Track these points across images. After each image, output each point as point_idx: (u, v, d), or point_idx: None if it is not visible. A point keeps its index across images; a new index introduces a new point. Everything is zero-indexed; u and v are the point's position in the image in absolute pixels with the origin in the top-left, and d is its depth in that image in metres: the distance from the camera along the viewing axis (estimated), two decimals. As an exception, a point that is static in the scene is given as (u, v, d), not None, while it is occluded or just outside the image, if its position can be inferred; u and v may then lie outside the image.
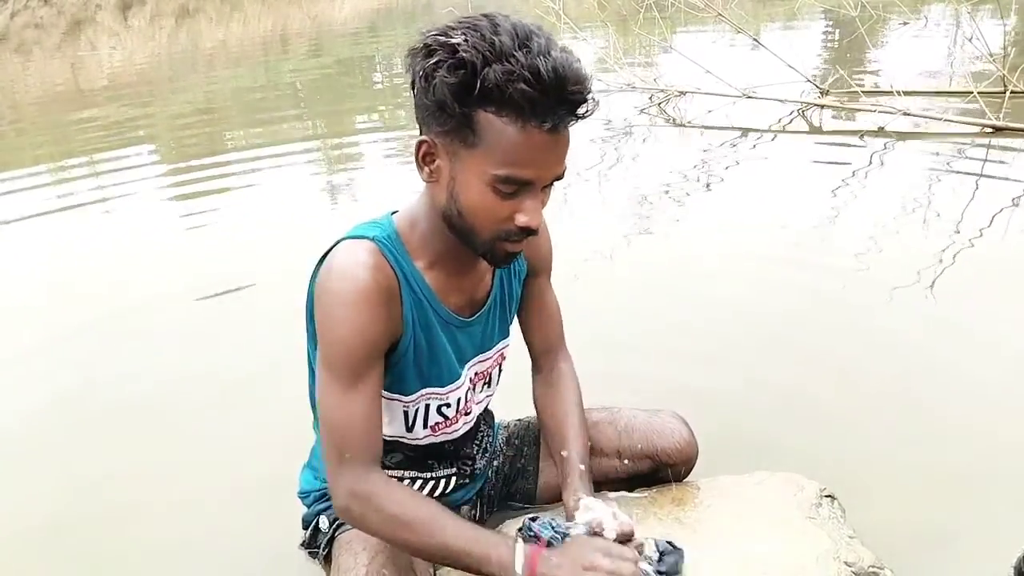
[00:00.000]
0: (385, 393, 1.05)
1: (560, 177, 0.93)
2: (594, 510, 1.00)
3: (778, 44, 5.16)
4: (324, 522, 1.19)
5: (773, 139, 3.88)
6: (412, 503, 0.96)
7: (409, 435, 1.12)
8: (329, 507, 1.20)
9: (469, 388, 1.14)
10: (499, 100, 0.84)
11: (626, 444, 1.24)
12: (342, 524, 1.14)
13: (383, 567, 1.04)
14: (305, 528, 1.25)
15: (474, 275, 1.08)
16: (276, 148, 4.51)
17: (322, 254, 1.02)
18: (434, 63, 0.85)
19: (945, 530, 1.37)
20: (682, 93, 4.50)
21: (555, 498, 1.30)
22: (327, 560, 1.16)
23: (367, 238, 0.99)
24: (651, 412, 1.28)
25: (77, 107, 6.28)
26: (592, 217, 3.05)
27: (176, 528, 1.51)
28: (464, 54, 0.83)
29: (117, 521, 1.55)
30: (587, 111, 0.89)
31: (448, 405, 1.12)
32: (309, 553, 1.25)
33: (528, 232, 0.93)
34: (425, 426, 1.12)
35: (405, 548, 1.00)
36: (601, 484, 1.26)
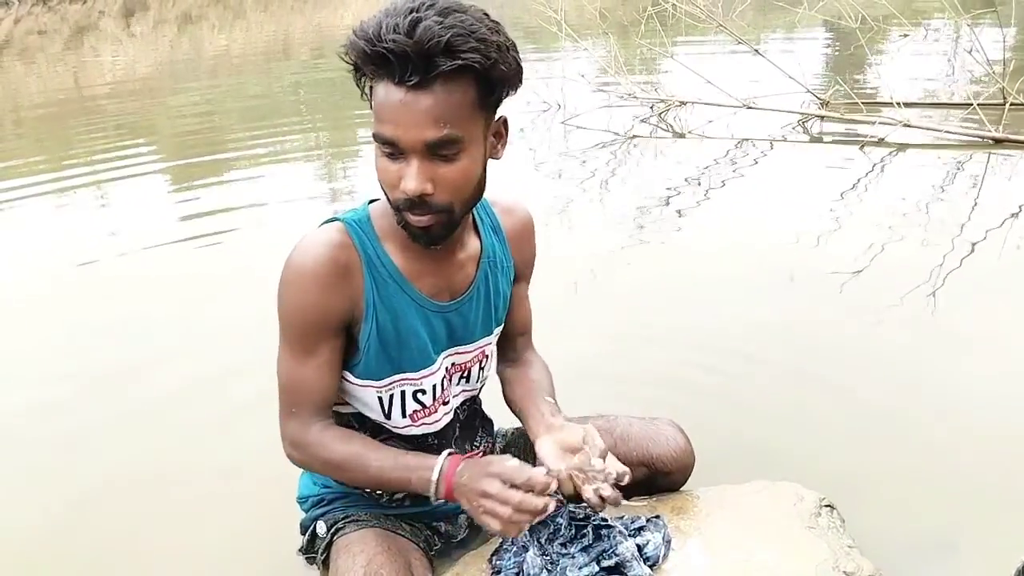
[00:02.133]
0: (358, 380, 1.08)
1: (438, 145, 0.91)
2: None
3: (779, 55, 5.19)
4: (322, 527, 1.19)
5: (773, 150, 3.89)
6: (340, 445, 1.05)
7: (388, 422, 1.13)
8: (327, 512, 1.20)
9: (445, 377, 1.14)
10: (361, 62, 0.90)
11: (622, 452, 1.23)
12: (340, 528, 1.15)
13: (380, 568, 1.04)
14: (303, 533, 1.25)
15: (451, 262, 1.09)
16: (278, 153, 4.52)
17: None
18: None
19: (944, 539, 1.37)
20: (683, 103, 4.52)
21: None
22: (325, 565, 1.16)
23: (338, 220, 1.05)
24: (648, 420, 1.28)
25: (80, 113, 6.29)
26: (593, 226, 3.06)
27: (173, 533, 1.51)
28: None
29: (114, 526, 1.55)
30: (440, 68, 0.87)
31: (424, 391, 1.12)
32: (307, 558, 1.25)
33: (412, 202, 0.93)
34: (404, 415, 1.12)
35: (350, 484, 1.13)
36: None
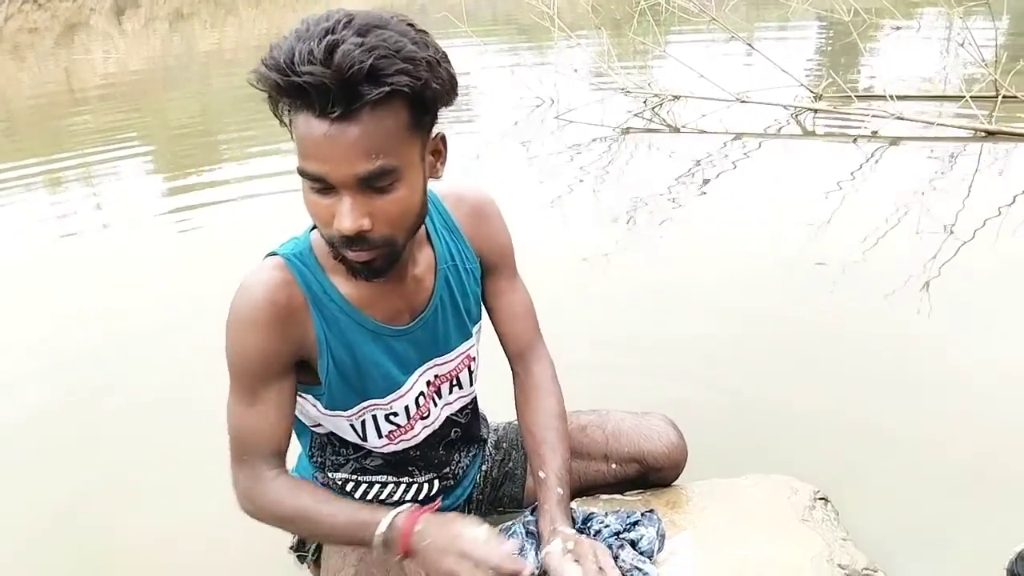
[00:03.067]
0: (326, 411, 1.04)
1: (371, 178, 0.82)
2: (553, 554, 0.96)
3: (772, 49, 5.18)
4: None
5: (766, 143, 3.89)
6: (289, 499, 0.98)
7: (367, 443, 1.10)
8: None
9: (421, 394, 1.09)
10: (276, 93, 0.81)
11: (614, 448, 1.23)
12: None
13: (371, 567, 1.03)
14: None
15: (405, 281, 1.02)
16: (270, 148, 4.50)
17: None
18: None
19: (938, 532, 1.37)
20: (676, 97, 4.51)
21: None
22: (316, 564, 1.16)
23: (278, 254, 0.98)
24: (640, 415, 1.27)
25: (70, 111, 6.25)
26: (586, 221, 3.06)
27: (161, 533, 1.50)
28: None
29: (101, 526, 1.54)
30: (364, 101, 0.78)
31: (395, 414, 1.08)
32: (298, 557, 1.24)
33: (349, 239, 0.85)
34: (379, 436, 1.09)
35: (306, 539, 1.12)
36: (590, 489, 1.25)
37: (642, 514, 1.13)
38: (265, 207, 3.44)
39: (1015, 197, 2.89)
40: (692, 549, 1.12)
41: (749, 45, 4.61)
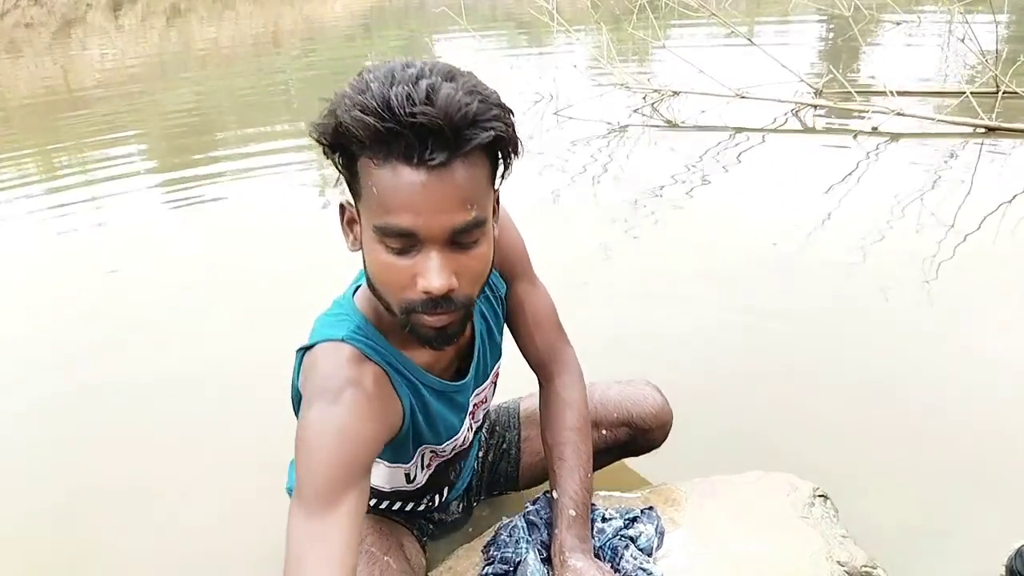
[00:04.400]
0: (387, 463, 1.03)
1: (464, 230, 0.78)
2: None
3: (772, 44, 5.17)
4: None
5: (766, 140, 3.88)
6: None
7: (410, 486, 1.11)
8: None
9: (468, 425, 1.10)
10: (359, 140, 0.75)
11: (603, 415, 1.26)
12: None
13: (372, 547, 1.04)
14: None
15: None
16: (268, 146, 4.49)
17: (297, 351, 0.94)
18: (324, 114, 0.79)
19: (937, 529, 1.37)
20: (676, 93, 4.50)
21: (537, 481, 1.33)
22: None
23: (339, 340, 0.89)
24: (625, 383, 1.31)
25: (67, 106, 6.24)
26: (586, 216, 3.05)
27: (164, 526, 1.50)
28: (334, 100, 0.77)
29: (99, 521, 1.54)
30: (470, 146, 0.75)
31: (443, 452, 1.09)
32: None
33: (435, 301, 0.79)
34: (422, 468, 1.09)
35: None
36: None
37: (641, 511, 1.13)
38: (264, 204, 3.43)
39: (1015, 194, 2.88)
40: (691, 546, 1.11)
41: (749, 40, 4.60)
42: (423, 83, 0.73)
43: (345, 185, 0.82)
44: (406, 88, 0.72)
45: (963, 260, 2.41)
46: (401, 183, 0.75)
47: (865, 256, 2.48)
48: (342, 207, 0.86)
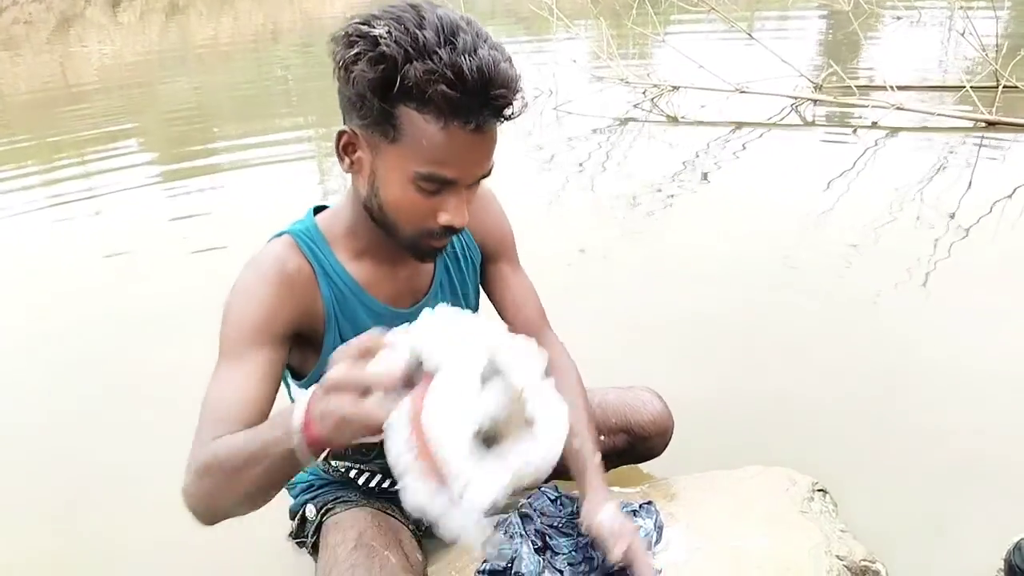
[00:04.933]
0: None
1: (486, 175, 0.90)
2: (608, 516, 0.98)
3: (772, 39, 5.15)
4: (311, 510, 1.18)
5: (766, 134, 3.88)
6: (205, 455, 0.83)
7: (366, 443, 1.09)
8: (317, 495, 1.20)
9: None
10: (420, 98, 0.81)
11: (601, 420, 1.24)
12: (330, 509, 1.14)
13: (372, 540, 1.05)
14: (292, 519, 1.25)
15: (409, 264, 1.04)
16: (266, 139, 4.48)
17: None
18: (354, 55, 0.81)
19: (936, 523, 1.37)
20: (675, 88, 4.49)
21: None
22: (315, 549, 1.16)
23: (285, 233, 0.99)
24: (624, 388, 1.30)
25: (66, 103, 6.23)
26: (585, 211, 3.05)
27: (161, 527, 1.50)
28: (385, 48, 0.79)
29: (98, 518, 1.54)
30: (514, 113, 0.85)
31: None
32: (297, 543, 1.25)
33: (451, 230, 0.91)
34: None
35: (223, 494, 0.82)
36: None
37: (640, 505, 1.13)
38: (262, 202, 3.43)
39: (1015, 188, 2.88)
40: (690, 541, 1.11)
41: (749, 35, 4.59)
42: (485, 56, 0.80)
43: (353, 111, 0.86)
44: (473, 60, 0.79)
45: (963, 255, 2.41)
46: (454, 143, 0.83)
47: (865, 251, 2.48)
48: (341, 133, 0.90)
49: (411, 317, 1.01)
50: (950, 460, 1.53)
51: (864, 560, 1.12)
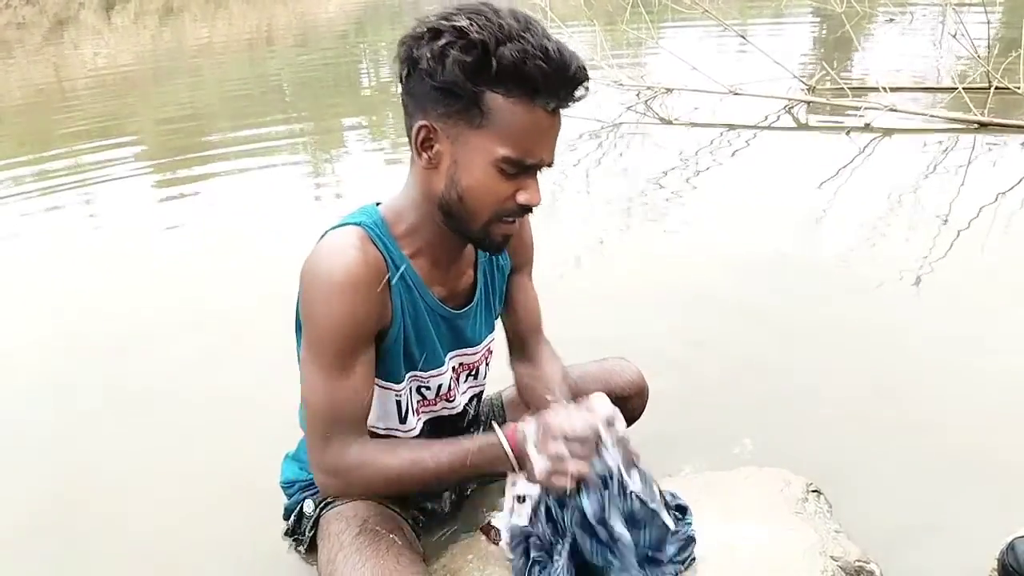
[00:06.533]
0: (379, 381, 1.06)
1: (552, 164, 0.95)
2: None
3: (765, 41, 5.18)
4: (309, 505, 1.19)
5: (759, 136, 3.89)
6: (390, 458, 0.99)
7: (403, 427, 1.12)
8: (315, 492, 1.19)
9: (452, 377, 1.14)
10: (511, 79, 0.86)
11: (583, 388, 1.24)
12: (329, 503, 1.14)
13: (376, 525, 1.05)
14: (287, 518, 1.25)
15: (457, 267, 1.09)
16: (261, 145, 4.47)
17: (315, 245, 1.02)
18: (444, 44, 0.86)
19: (930, 524, 1.37)
20: (669, 90, 4.50)
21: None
22: (312, 544, 1.15)
23: (354, 224, 0.99)
24: (601, 360, 1.37)
25: (59, 106, 6.20)
26: (580, 213, 3.05)
27: (161, 523, 1.49)
28: (475, 35, 0.85)
29: (94, 517, 1.53)
30: (584, 94, 0.92)
31: (428, 388, 1.12)
32: (294, 540, 1.24)
33: (527, 209, 0.95)
34: (415, 412, 1.13)
35: (405, 493, 1.11)
36: None
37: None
38: (262, 202, 3.42)
39: (1008, 188, 2.89)
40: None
41: (742, 37, 4.60)
42: (555, 40, 0.87)
43: (436, 103, 0.90)
44: (552, 43, 0.86)
45: (957, 255, 2.41)
46: (539, 127, 0.91)
47: (859, 251, 2.48)
48: (420, 128, 0.92)
49: (462, 318, 1.10)
50: (944, 461, 1.53)
51: (859, 560, 1.12)
